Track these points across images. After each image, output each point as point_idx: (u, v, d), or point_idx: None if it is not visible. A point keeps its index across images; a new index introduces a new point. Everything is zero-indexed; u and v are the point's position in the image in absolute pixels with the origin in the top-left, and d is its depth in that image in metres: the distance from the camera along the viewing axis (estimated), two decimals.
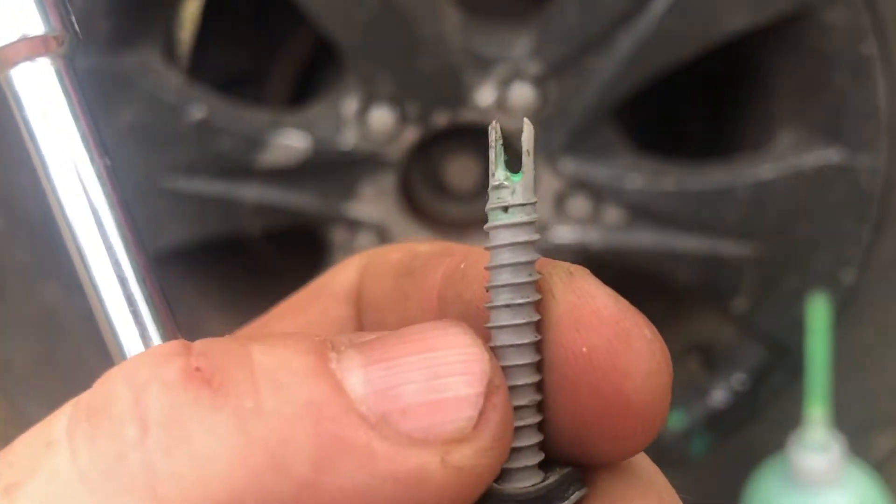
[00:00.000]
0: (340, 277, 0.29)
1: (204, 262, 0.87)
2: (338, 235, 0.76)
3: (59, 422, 0.20)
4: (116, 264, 0.22)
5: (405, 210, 0.76)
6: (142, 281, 0.22)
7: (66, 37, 0.22)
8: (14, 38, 0.21)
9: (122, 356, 0.22)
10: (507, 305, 0.21)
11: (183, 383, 0.19)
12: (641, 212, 0.73)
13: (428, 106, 0.69)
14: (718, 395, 0.80)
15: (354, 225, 0.75)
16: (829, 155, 0.70)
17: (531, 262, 0.21)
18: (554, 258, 0.22)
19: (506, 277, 0.21)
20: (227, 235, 0.74)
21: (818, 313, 0.62)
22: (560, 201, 0.74)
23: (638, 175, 0.72)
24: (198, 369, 0.19)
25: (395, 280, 0.26)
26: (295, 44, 0.91)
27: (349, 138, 0.70)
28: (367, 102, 0.69)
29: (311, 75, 0.91)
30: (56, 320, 0.75)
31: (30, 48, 0.21)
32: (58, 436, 0.19)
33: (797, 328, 0.72)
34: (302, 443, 0.18)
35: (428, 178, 0.80)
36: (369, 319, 0.27)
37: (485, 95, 0.69)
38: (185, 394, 0.19)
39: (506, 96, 0.69)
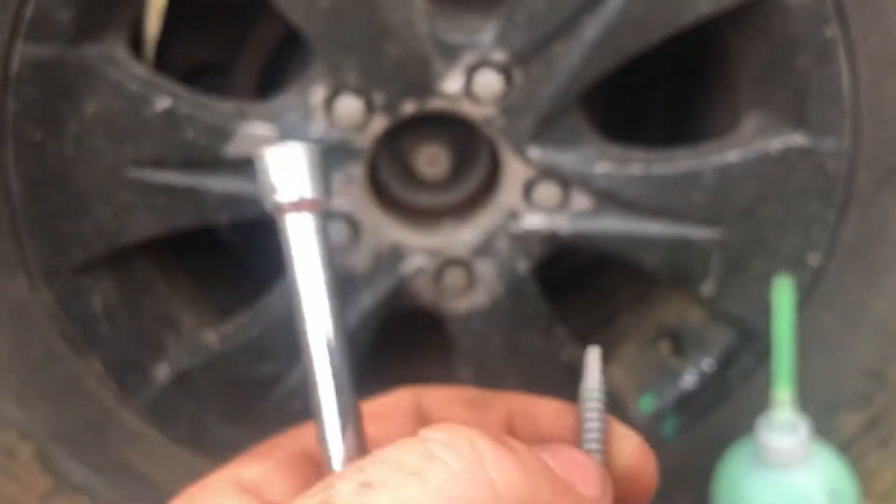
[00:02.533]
0: (398, 401, 0.40)
1: (175, 254, 0.86)
2: None
3: None
4: (335, 367, 0.34)
5: (375, 200, 0.76)
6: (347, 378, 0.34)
7: (325, 201, 0.33)
8: (295, 199, 0.31)
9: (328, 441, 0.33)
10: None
11: None
12: (609, 198, 0.73)
13: (395, 94, 0.69)
14: (688, 379, 0.80)
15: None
16: (794, 139, 0.71)
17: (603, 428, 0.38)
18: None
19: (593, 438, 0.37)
20: (197, 227, 0.74)
21: (783, 295, 0.62)
22: (529, 189, 0.74)
23: (605, 161, 0.73)
24: None
25: (468, 408, 0.38)
26: (261, 34, 0.90)
27: (316, 128, 0.69)
28: (334, 91, 0.69)
29: (278, 66, 0.91)
30: (24, 315, 0.75)
31: (302, 205, 0.31)
32: None
33: (765, 311, 0.73)
34: None
35: (397, 167, 0.79)
36: None
37: (452, 83, 0.69)
38: None
39: (472, 84, 0.69)
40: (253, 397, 0.80)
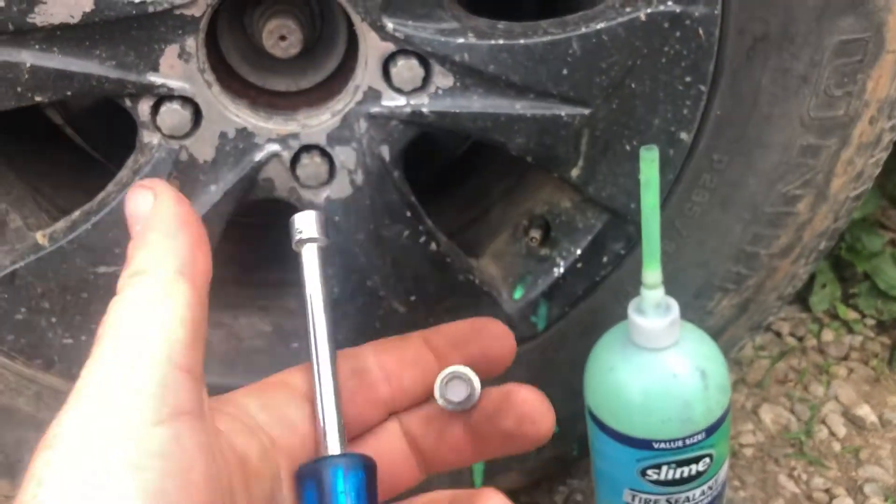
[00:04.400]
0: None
1: (3, 151, 0.78)
2: (142, 107, 0.68)
3: None
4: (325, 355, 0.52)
5: (218, 80, 0.69)
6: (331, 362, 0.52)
7: (325, 241, 0.56)
8: (309, 236, 0.55)
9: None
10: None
11: None
12: (472, 74, 0.68)
13: None
14: (559, 267, 0.77)
15: (159, 96, 0.67)
16: (665, 4, 0.67)
17: None
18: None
19: None
20: (8, 109, 0.65)
21: (649, 165, 0.59)
22: (387, 65, 0.69)
23: (467, 35, 0.67)
24: None
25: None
26: None
27: None
28: None
29: None
30: None
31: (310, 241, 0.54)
32: None
33: (635, 194, 0.70)
34: None
35: (242, 43, 0.72)
36: None
37: None
38: None
39: None
40: (93, 303, 0.74)
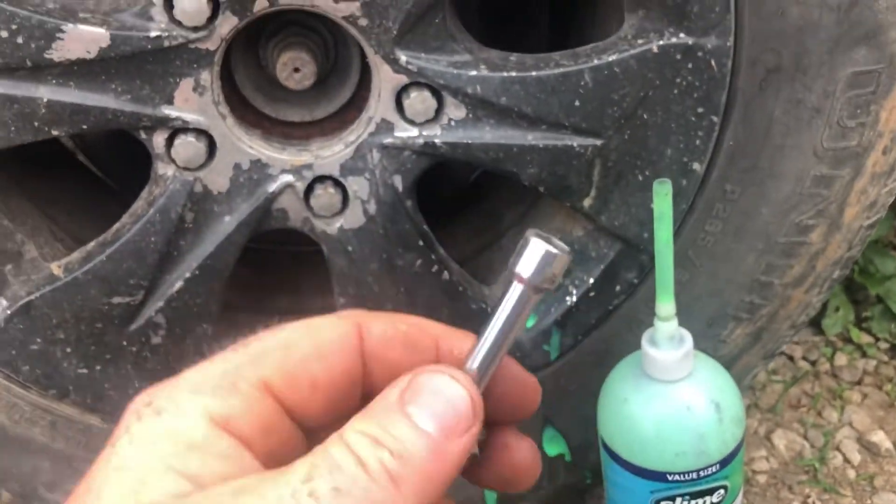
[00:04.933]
0: (344, 341, 0.46)
1: (15, 177, 0.78)
2: (157, 140, 0.68)
3: None
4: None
5: (232, 112, 0.70)
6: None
7: (547, 288, 0.45)
8: (526, 276, 0.45)
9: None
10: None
11: None
12: (484, 105, 0.68)
13: None
14: (573, 294, 0.77)
15: (174, 128, 0.68)
16: (677, 37, 0.67)
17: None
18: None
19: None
20: (25, 143, 0.66)
21: (663, 198, 0.59)
22: (400, 97, 0.69)
23: (480, 67, 0.68)
24: None
25: (404, 349, 0.47)
26: None
27: (154, 25, 0.62)
28: None
29: None
30: None
31: (529, 284, 0.45)
32: None
33: (647, 224, 0.70)
34: None
35: (256, 74, 0.73)
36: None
37: None
38: None
39: None
40: (108, 333, 0.74)
